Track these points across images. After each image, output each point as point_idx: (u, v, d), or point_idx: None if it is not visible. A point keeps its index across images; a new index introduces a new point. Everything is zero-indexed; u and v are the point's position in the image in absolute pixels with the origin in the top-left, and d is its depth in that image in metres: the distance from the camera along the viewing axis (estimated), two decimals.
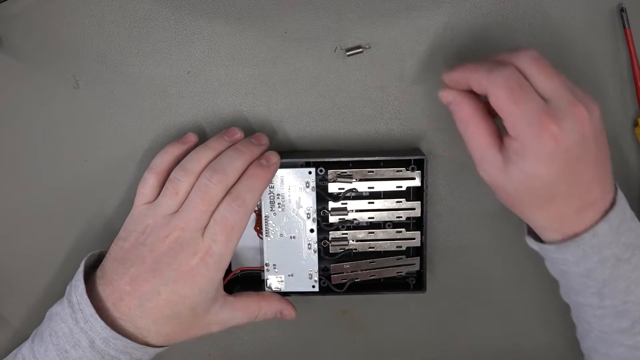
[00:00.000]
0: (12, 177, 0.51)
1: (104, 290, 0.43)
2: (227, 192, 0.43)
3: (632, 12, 0.48)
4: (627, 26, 0.48)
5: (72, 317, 0.42)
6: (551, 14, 0.49)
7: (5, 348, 0.52)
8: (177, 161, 0.46)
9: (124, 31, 0.49)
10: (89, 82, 0.49)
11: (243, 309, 0.46)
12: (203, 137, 0.50)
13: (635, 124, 0.50)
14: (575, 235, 0.41)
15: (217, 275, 0.43)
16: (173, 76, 0.50)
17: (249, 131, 0.50)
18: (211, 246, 0.42)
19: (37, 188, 0.51)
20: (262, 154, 0.46)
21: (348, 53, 0.49)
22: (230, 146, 0.46)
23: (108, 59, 0.49)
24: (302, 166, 0.47)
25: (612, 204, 0.41)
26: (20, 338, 0.50)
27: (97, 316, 0.41)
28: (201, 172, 0.44)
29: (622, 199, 0.42)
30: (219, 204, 0.43)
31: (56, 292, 0.52)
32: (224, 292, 0.45)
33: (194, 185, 0.44)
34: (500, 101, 0.39)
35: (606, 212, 0.41)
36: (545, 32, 0.49)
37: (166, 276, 0.42)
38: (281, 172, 0.47)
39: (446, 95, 0.43)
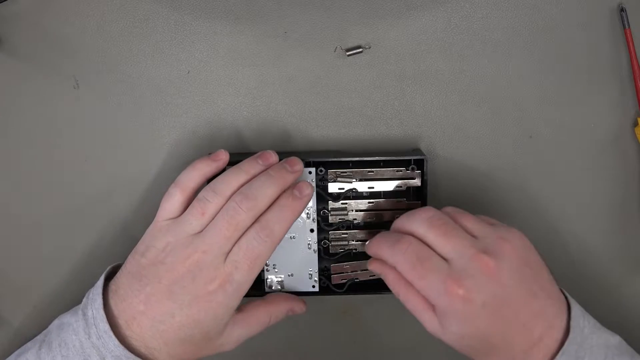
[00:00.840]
0: (11, 177, 0.51)
1: (117, 305, 0.42)
2: (256, 220, 0.42)
3: (632, 12, 0.48)
4: (627, 26, 0.48)
5: (85, 331, 0.41)
6: (551, 14, 0.49)
7: (5, 348, 0.52)
8: (205, 179, 0.44)
9: (124, 31, 0.49)
10: (89, 82, 0.49)
11: (255, 323, 0.45)
12: (204, 137, 0.50)
13: (635, 124, 0.50)
14: None
15: (234, 303, 0.42)
16: (173, 76, 0.50)
17: (249, 132, 0.50)
18: (232, 273, 0.41)
19: (36, 188, 0.51)
20: (295, 182, 0.44)
21: (348, 53, 0.49)
22: (263, 170, 0.44)
23: (108, 59, 0.49)
24: None
25: (567, 328, 0.40)
26: (20, 338, 0.50)
27: (111, 333, 0.40)
28: (231, 195, 0.42)
29: (577, 317, 0.41)
30: (246, 231, 0.41)
31: (56, 292, 0.52)
32: (234, 312, 0.44)
33: (222, 207, 0.42)
34: (407, 277, 0.40)
35: (563, 338, 0.40)
36: (545, 32, 0.49)
37: (181, 299, 0.41)
38: None
39: (372, 267, 0.45)
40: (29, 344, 0.45)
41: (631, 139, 0.50)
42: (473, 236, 0.41)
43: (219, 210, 0.42)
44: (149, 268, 0.41)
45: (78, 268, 0.52)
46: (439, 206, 0.51)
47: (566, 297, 0.43)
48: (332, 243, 0.49)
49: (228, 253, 0.41)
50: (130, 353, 0.40)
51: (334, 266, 0.49)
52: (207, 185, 0.43)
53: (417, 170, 0.48)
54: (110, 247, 0.51)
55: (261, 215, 0.42)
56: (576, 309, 0.42)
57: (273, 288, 0.48)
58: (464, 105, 0.50)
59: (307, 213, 0.48)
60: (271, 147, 0.50)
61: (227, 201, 0.42)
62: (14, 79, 0.49)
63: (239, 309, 0.44)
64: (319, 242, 0.48)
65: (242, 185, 0.43)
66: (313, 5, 0.49)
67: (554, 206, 0.51)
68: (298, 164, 0.44)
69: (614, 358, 0.41)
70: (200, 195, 0.43)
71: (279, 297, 0.47)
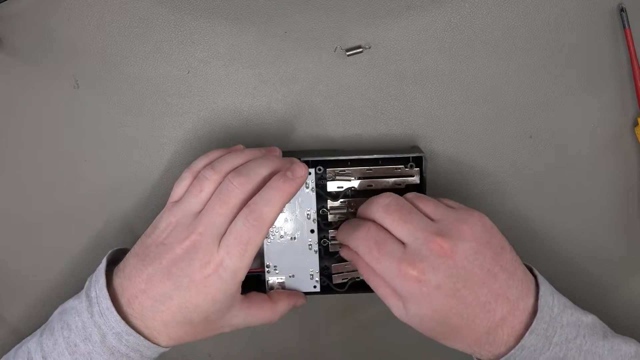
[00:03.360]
0: (11, 177, 0.51)
1: (122, 284, 0.42)
2: (246, 205, 0.42)
3: (632, 12, 0.48)
4: (627, 26, 0.48)
5: (88, 311, 0.42)
6: (551, 14, 0.49)
7: (5, 348, 0.52)
8: None
9: (124, 31, 0.49)
10: (89, 82, 0.49)
11: (258, 317, 0.45)
12: (204, 137, 0.50)
13: (635, 124, 0.50)
14: (508, 351, 0.40)
15: (232, 288, 0.42)
16: (173, 76, 0.50)
17: (249, 132, 0.50)
18: (224, 259, 0.41)
19: (36, 187, 0.51)
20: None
21: (348, 53, 0.49)
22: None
23: (108, 59, 0.49)
24: None
25: (535, 308, 0.40)
26: (20, 338, 0.51)
27: (113, 309, 0.41)
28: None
29: (545, 296, 0.41)
30: (237, 215, 0.42)
31: (56, 292, 0.52)
32: (240, 297, 0.44)
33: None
34: (367, 261, 0.42)
35: (530, 319, 0.40)
36: (545, 32, 0.49)
37: (179, 281, 0.41)
38: None
39: (343, 254, 0.47)
40: (29, 337, 0.46)
41: (631, 139, 0.50)
42: (431, 220, 0.42)
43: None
44: (152, 248, 0.42)
45: (77, 267, 0.52)
46: None
47: (536, 278, 0.42)
48: (332, 242, 0.49)
49: (223, 235, 0.41)
50: (130, 329, 0.41)
51: (334, 266, 0.49)
52: (208, 165, 0.44)
53: (416, 167, 0.48)
54: (110, 246, 0.51)
55: (252, 198, 0.42)
56: (545, 288, 0.42)
57: (274, 290, 0.49)
58: (463, 105, 0.50)
59: (308, 214, 0.48)
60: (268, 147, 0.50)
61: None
62: (14, 79, 0.49)
63: (247, 296, 0.45)
64: (319, 241, 0.48)
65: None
66: (313, 5, 0.49)
67: (553, 206, 0.51)
68: (302, 169, 0.43)
69: (585, 337, 0.41)
70: (200, 174, 0.43)
71: (282, 295, 0.47)
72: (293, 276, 0.48)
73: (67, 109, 0.50)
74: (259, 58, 0.49)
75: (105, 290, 0.42)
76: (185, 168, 0.45)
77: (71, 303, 0.44)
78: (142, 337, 0.41)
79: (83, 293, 0.43)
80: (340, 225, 0.47)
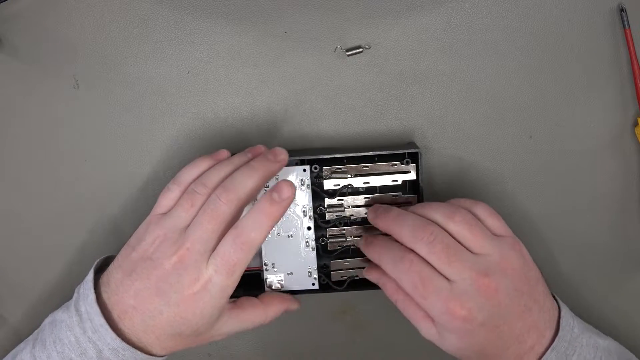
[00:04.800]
0: (11, 177, 0.51)
1: (110, 299, 0.42)
2: (234, 226, 0.41)
3: (632, 12, 0.48)
4: (627, 26, 0.48)
5: (80, 326, 0.41)
6: (551, 14, 0.49)
7: (5, 348, 0.52)
8: None
9: (124, 31, 0.49)
10: (89, 82, 0.49)
11: (248, 321, 0.45)
12: (204, 137, 0.50)
13: (635, 124, 0.50)
14: None
15: (221, 302, 0.42)
16: (173, 76, 0.50)
17: (249, 132, 0.50)
18: (213, 277, 0.41)
19: (36, 187, 0.51)
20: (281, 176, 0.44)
21: (348, 53, 0.49)
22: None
23: (108, 59, 0.49)
24: (296, 164, 0.47)
25: (557, 332, 0.42)
26: (20, 338, 0.50)
27: (107, 326, 0.41)
28: None
29: (566, 318, 0.43)
30: (225, 237, 0.41)
31: (56, 292, 0.52)
32: (229, 306, 0.44)
33: None
34: (413, 296, 0.41)
35: (551, 340, 0.42)
36: (545, 32, 0.49)
37: (169, 297, 0.41)
38: None
39: (371, 277, 0.47)
40: (21, 345, 0.45)
41: (631, 139, 0.50)
42: (475, 254, 0.41)
43: None
44: (139, 263, 0.42)
45: (77, 267, 0.52)
46: (435, 199, 0.50)
47: (557, 302, 0.44)
48: (330, 240, 0.49)
49: (212, 251, 0.41)
50: (126, 345, 0.41)
51: (333, 263, 0.49)
52: (198, 178, 0.43)
53: (412, 163, 0.48)
54: (110, 245, 0.51)
55: (239, 220, 0.42)
56: (565, 311, 0.43)
57: (273, 287, 0.48)
58: (463, 105, 0.50)
59: (304, 211, 0.48)
60: (271, 147, 0.50)
61: None
62: (14, 79, 0.49)
63: (236, 303, 0.45)
64: (316, 239, 0.48)
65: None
66: (313, 5, 0.49)
67: (553, 206, 0.51)
68: (282, 154, 0.44)
69: (602, 358, 0.43)
70: (189, 188, 0.43)
71: (274, 299, 0.47)
72: (291, 274, 0.48)
73: (67, 109, 0.50)
74: (259, 58, 0.49)
75: (96, 306, 0.41)
76: (185, 165, 0.45)
77: (61, 315, 0.43)
78: (138, 352, 0.41)
79: (72, 306, 0.43)
80: (353, 231, 0.47)
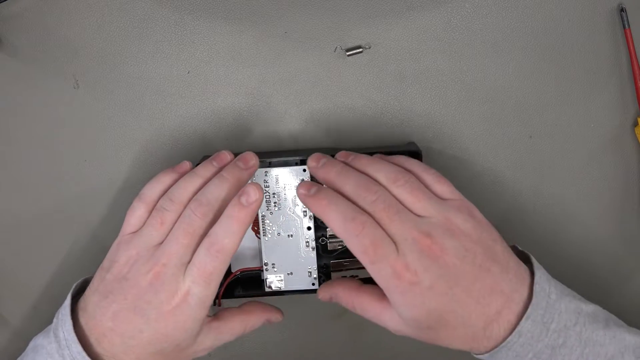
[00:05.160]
0: (11, 177, 0.51)
1: (87, 324, 0.41)
2: (207, 235, 0.41)
3: (632, 12, 0.48)
4: (627, 26, 0.48)
5: (59, 353, 0.41)
6: (551, 14, 0.49)
7: (5, 348, 0.52)
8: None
9: (124, 31, 0.49)
10: (89, 82, 0.49)
11: (228, 332, 0.45)
12: (204, 138, 0.50)
13: (635, 124, 0.50)
14: (503, 340, 0.39)
15: (201, 314, 0.41)
16: (173, 76, 0.50)
17: (249, 132, 0.50)
18: (191, 288, 0.40)
19: (37, 188, 0.51)
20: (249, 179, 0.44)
21: (348, 53, 0.49)
22: (218, 172, 0.44)
23: (108, 59, 0.49)
24: (296, 164, 0.47)
25: (530, 295, 0.40)
26: (20, 338, 0.51)
27: (84, 354, 0.40)
28: (188, 201, 0.42)
29: (541, 283, 0.40)
30: (199, 246, 0.41)
31: (56, 292, 0.52)
32: (207, 319, 0.43)
33: (180, 215, 0.42)
34: (361, 260, 0.40)
35: (525, 306, 0.39)
36: (545, 32, 0.49)
37: (148, 314, 0.40)
38: (276, 171, 0.47)
39: (322, 295, 0.45)
40: None
41: (631, 139, 0.50)
42: (419, 216, 0.41)
43: (178, 218, 0.42)
44: (114, 284, 0.41)
45: (77, 267, 0.52)
46: None
47: (531, 265, 0.42)
48: (330, 240, 0.49)
49: (188, 264, 0.41)
50: None
51: (333, 263, 0.49)
52: (165, 195, 0.43)
53: None
54: (110, 245, 0.51)
55: (212, 228, 0.41)
56: (540, 274, 0.41)
57: (273, 288, 0.48)
58: (463, 104, 0.50)
59: (304, 211, 0.48)
60: (270, 147, 0.50)
61: (184, 208, 0.42)
62: (14, 79, 0.49)
63: (215, 316, 0.44)
64: (316, 239, 0.48)
65: (198, 190, 0.43)
66: (313, 5, 0.49)
67: (553, 206, 0.51)
68: (252, 160, 0.44)
69: (585, 325, 0.40)
70: (158, 205, 0.43)
71: (255, 307, 0.47)
72: (291, 274, 0.48)
73: (67, 109, 0.50)
74: (259, 58, 0.49)
75: (73, 333, 0.41)
76: (155, 175, 0.45)
77: (41, 340, 0.43)
78: None
79: (51, 332, 0.42)
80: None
